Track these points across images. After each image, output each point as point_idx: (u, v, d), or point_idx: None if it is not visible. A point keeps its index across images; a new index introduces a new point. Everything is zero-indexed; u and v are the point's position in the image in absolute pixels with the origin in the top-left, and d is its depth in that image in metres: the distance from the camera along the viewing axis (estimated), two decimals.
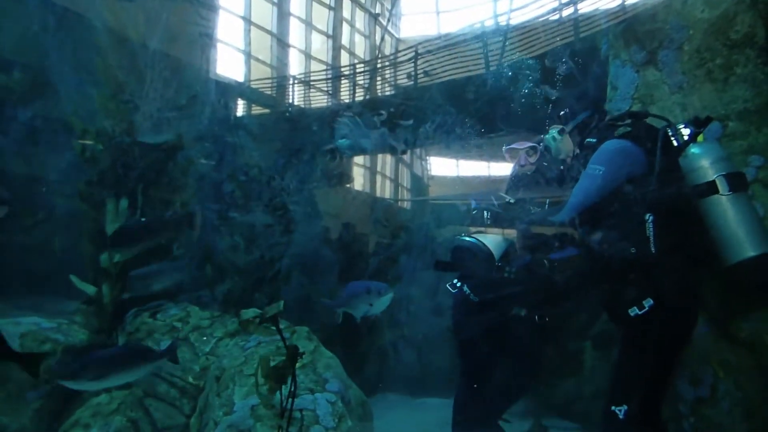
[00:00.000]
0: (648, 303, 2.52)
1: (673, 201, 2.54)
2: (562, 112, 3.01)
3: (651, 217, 2.50)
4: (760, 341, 2.91)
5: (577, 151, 2.91)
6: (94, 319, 5.52)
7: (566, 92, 3.09)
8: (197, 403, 4.64)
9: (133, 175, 5.12)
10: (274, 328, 3.41)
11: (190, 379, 4.77)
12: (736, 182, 2.50)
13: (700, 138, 2.59)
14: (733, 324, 3.01)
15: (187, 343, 4.95)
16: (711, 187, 2.50)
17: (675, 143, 2.59)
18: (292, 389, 3.61)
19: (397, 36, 20.06)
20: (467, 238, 3.41)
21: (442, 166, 20.41)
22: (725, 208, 2.49)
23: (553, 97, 3.09)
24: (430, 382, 6.71)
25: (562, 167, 2.93)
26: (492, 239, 3.34)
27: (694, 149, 2.57)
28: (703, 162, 2.56)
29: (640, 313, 2.53)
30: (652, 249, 2.48)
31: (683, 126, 2.62)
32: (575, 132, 2.95)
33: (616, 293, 2.63)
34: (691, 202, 2.55)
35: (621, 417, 2.53)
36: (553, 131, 3.02)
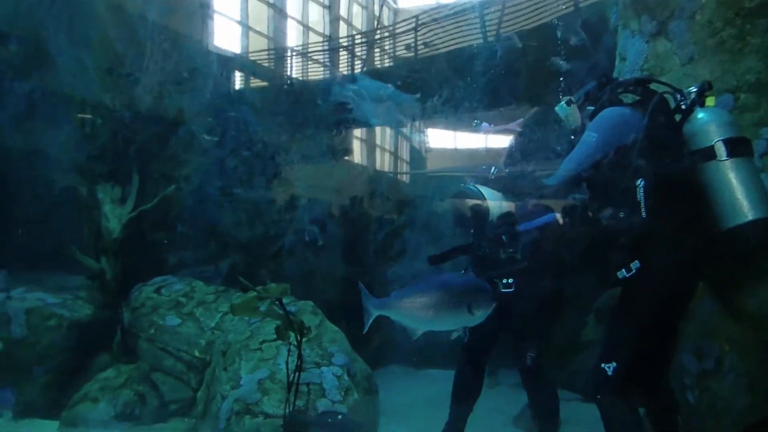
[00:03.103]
0: (635, 266, 2.57)
1: (667, 166, 2.54)
2: (563, 83, 3.01)
3: (642, 182, 2.52)
4: (765, 316, 2.91)
5: (585, 121, 2.89)
6: (98, 295, 5.54)
7: (575, 63, 3.05)
8: (204, 377, 4.70)
9: (133, 149, 5.06)
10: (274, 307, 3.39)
11: (196, 353, 4.82)
12: (736, 147, 2.48)
13: (710, 102, 2.55)
14: (739, 299, 3.00)
15: (192, 318, 4.99)
16: (709, 152, 2.48)
17: (682, 107, 2.57)
18: (299, 363, 3.63)
19: (395, 6, 19.69)
20: (472, 186, 3.41)
21: (440, 139, 20.26)
22: (723, 173, 2.47)
23: (563, 69, 3.06)
24: (435, 354, 6.75)
25: (573, 137, 2.91)
26: (494, 195, 3.34)
27: (699, 114, 2.56)
28: (707, 127, 2.54)
29: (627, 275, 2.59)
30: (643, 214, 2.51)
31: (694, 90, 2.58)
32: (583, 102, 2.93)
33: (606, 257, 2.67)
34: (689, 167, 2.55)
35: (609, 374, 2.59)
36: (562, 102, 3.02)
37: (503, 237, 3.30)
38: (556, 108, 3.07)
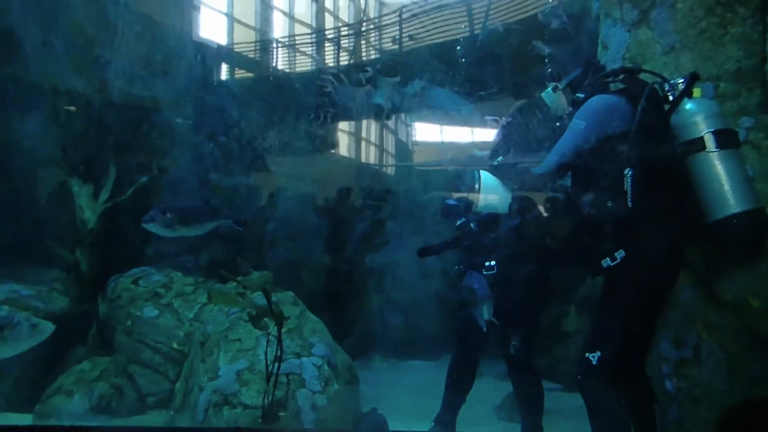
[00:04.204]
0: (620, 255, 2.57)
1: (655, 156, 2.54)
2: (549, 69, 2.98)
3: (630, 172, 2.52)
4: (744, 302, 2.93)
5: (570, 108, 2.86)
6: (74, 287, 5.43)
7: (559, 49, 3.02)
8: (182, 369, 4.63)
9: (110, 139, 4.94)
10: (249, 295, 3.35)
11: (174, 345, 4.74)
12: (725, 139, 2.48)
13: (697, 93, 2.54)
14: (719, 286, 3.02)
15: (170, 309, 4.91)
16: (699, 144, 2.48)
17: (670, 98, 2.56)
18: (279, 354, 3.59)
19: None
20: (475, 172, 3.40)
21: (426, 132, 20.26)
22: (712, 165, 2.48)
23: (545, 53, 3.03)
24: (417, 346, 6.75)
25: (558, 124, 2.88)
26: (494, 181, 3.32)
27: (688, 105, 2.55)
28: (695, 118, 2.54)
29: (612, 264, 2.59)
30: (629, 203, 2.51)
31: (681, 81, 2.58)
32: (568, 89, 2.90)
33: (592, 246, 2.67)
34: (678, 158, 2.55)
35: (594, 363, 2.59)
36: (549, 89, 2.99)
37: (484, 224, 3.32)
38: (542, 94, 3.05)
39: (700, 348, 3.11)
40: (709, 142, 2.47)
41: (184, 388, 4.43)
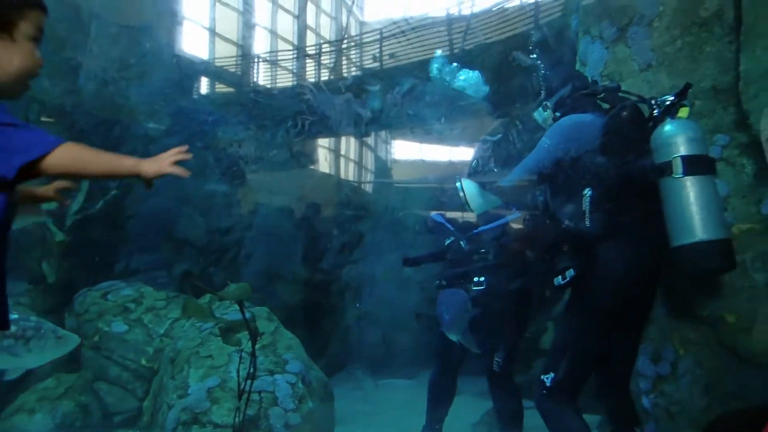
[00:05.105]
0: (569, 274, 2.57)
1: (617, 177, 2.53)
2: (533, 85, 3.00)
3: (589, 192, 2.52)
4: (721, 319, 2.93)
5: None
6: (40, 300, 5.26)
7: (542, 63, 3.04)
8: (151, 386, 4.47)
9: (86, 137, 4.79)
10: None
11: (143, 362, 4.59)
12: (694, 165, 2.42)
13: (683, 113, 2.53)
14: (696, 302, 3.02)
15: (140, 325, 4.76)
16: (667, 168, 2.44)
17: (655, 116, 2.56)
18: (251, 371, 3.48)
19: (361, 18, 19.81)
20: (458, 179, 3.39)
21: (405, 150, 20.38)
22: (678, 190, 2.42)
23: (525, 64, 3.05)
24: (394, 363, 6.67)
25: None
26: (476, 188, 3.31)
27: (666, 126, 2.51)
28: (670, 140, 2.48)
29: (562, 283, 2.59)
30: (587, 223, 2.50)
31: (671, 99, 2.56)
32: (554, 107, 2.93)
33: (551, 263, 2.68)
34: (644, 180, 2.52)
35: (548, 384, 2.60)
36: (539, 108, 3.03)
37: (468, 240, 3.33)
38: (534, 113, 3.08)
39: (677, 364, 3.09)
40: (677, 167, 2.41)
41: (152, 406, 4.27)
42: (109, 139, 5.02)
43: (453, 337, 3.34)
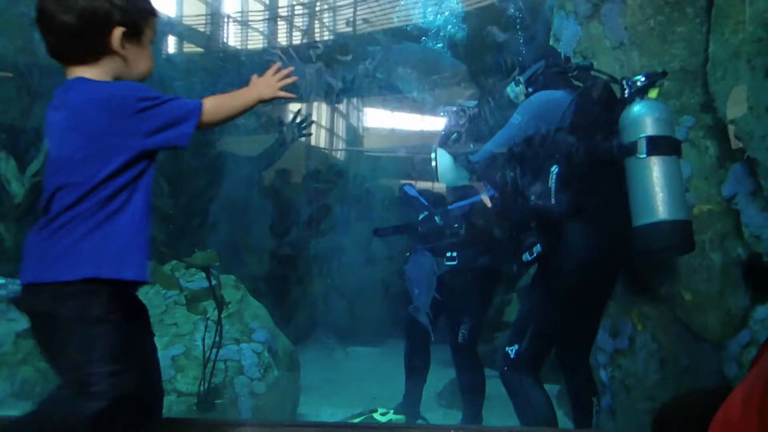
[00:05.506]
0: (536, 250, 2.62)
1: (583, 155, 2.56)
2: (503, 60, 2.99)
3: (556, 169, 2.56)
4: (678, 296, 3.04)
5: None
6: None
7: (514, 38, 3.02)
8: None
9: (37, 105, 4.57)
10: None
11: None
12: (658, 145, 2.44)
13: (653, 94, 2.54)
14: (655, 280, 3.11)
15: None
16: (632, 148, 2.46)
17: (626, 96, 2.57)
18: (217, 339, 3.47)
19: None
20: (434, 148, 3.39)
21: (377, 118, 20.20)
22: (641, 170, 2.44)
23: (500, 39, 3.03)
24: (361, 332, 6.74)
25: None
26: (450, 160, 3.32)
27: (635, 107, 2.53)
28: (638, 120, 2.50)
29: (530, 258, 2.65)
30: (552, 199, 2.54)
31: (643, 79, 2.57)
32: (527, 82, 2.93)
33: (518, 240, 2.74)
34: (615, 159, 2.55)
35: (512, 357, 2.67)
36: (512, 83, 3.03)
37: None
38: (507, 89, 3.06)
39: (635, 339, 3.20)
40: (641, 146, 2.43)
41: None
42: None
43: (422, 318, 3.39)
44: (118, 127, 1.41)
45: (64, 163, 1.45)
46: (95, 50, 1.48)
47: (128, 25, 1.49)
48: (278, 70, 1.60)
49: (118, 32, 1.47)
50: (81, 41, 1.47)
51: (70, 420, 1.37)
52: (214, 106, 1.52)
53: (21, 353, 4.45)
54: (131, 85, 1.51)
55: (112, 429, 1.35)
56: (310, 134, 6.75)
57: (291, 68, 1.62)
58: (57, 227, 1.41)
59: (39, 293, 1.41)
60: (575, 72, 2.85)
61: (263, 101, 1.59)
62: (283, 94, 1.60)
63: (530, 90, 2.90)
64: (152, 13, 1.58)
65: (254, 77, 1.61)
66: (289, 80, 1.61)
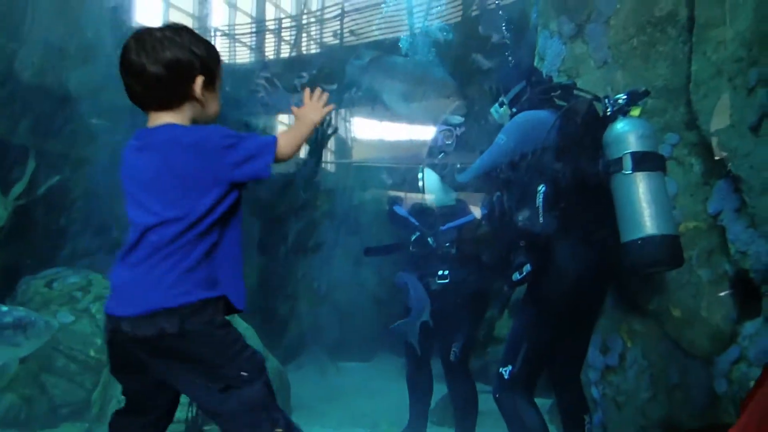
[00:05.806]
0: (526, 269, 2.62)
1: (569, 174, 2.57)
2: (489, 86, 3.02)
3: (543, 188, 2.57)
4: (666, 312, 3.05)
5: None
6: None
7: (499, 61, 3.04)
8: (100, 377, 4.35)
9: (25, 125, 4.51)
10: None
11: (92, 353, 4.44)
12: (643, 161, 2.45)
13: (634, 112, 2.56)
14: (643, 296, 3.12)
15: (87, 315, 4.59)
16: (618, 164, 2.47)
17: (608, 114, 2.59)
18: None
19: None
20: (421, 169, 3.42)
21: (366, 129, 20.17)
22: (627, 186, 2.45)
23: (485, 67, 3.05)
24: (351, 348, 6.70)
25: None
26: (436, 180, 3.33)
27: (618, 124, 2.54)
28: (621, 137, 2.51)
29: (519, 278, 2.65)
30: (540, 219, 2.55)
31: (625, 98, 2.59)
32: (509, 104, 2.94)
33: (508, 259, 2.74)
34: (600, 177, 2.55)
35: (506, 377, 2.66)
36: (496, 104, 3.04)
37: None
38: (491, 110, 3.08)
39: (624, 355, 3.21)
40: (627, 163, 2.44)
41: (101, 399, 4.16)
42: (55, 122, 4.69)
43: (411, 338, 3.39)
44: (209, 165, 1.55)
45: (156, 201, 1.55)
46: (179, 97, 1.61)
47: (206, 73, 1.63)
48: (311, 94, 1.77)
49: (200, 80, 1.61)
50: (167, 90, 1.59)
51: (251, 410, 1.56)
52: (284, 141, 1.65)
53: (5, 379, 4.37)
54: (214, 127, 1.65)
55: (273, 394, 1.62)
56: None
57: (318, 89, 1.77)
58: (159, 260, 1.53)
59: (150, 320, 1.51)
60: (558, 92, 2.86)
61: (317, 124, 1.77)
62: (327, 109, 1.77)
63: (514, 111, 2.92)
64: (220, 60, 1.73)
65: (294, 108, 1.76)
66: (324, 96, 1.77)
